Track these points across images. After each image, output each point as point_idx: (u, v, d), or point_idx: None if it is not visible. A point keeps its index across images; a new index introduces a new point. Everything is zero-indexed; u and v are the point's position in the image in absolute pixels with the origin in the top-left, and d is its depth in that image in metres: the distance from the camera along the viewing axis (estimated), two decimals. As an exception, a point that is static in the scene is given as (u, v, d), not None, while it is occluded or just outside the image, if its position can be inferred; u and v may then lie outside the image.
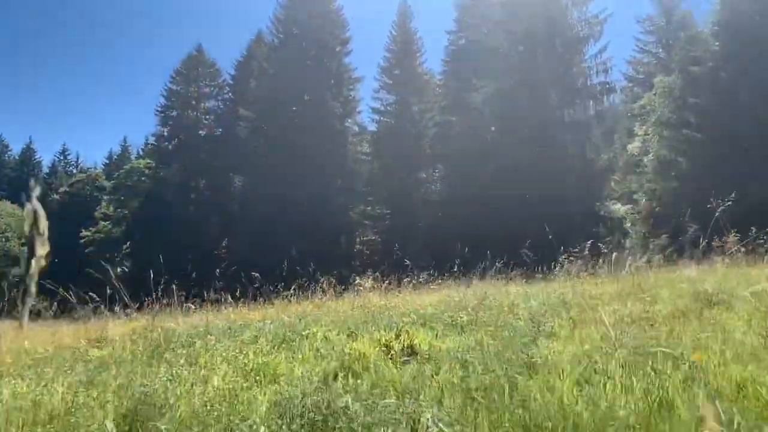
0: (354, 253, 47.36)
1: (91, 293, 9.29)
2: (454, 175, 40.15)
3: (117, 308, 10.47)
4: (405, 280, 13.27)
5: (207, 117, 57.38)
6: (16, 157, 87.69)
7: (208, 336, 8.02)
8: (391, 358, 6.09)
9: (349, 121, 48.53)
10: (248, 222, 44.64)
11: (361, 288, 10.18)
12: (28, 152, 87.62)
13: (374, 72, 50.04)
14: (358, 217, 48.47)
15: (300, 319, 9.50)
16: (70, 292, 9.80)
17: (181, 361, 6.23)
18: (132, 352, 7.08)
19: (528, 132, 33.39)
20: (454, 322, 8.18)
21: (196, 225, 53.21)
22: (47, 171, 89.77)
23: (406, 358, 6.08)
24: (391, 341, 6.64)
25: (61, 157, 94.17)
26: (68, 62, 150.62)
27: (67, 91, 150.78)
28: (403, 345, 6.50)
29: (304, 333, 8.06)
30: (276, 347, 7.31)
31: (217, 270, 14.21)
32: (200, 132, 56.92)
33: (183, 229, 52.49)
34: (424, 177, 45.57)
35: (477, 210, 35.72)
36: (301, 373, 5.74)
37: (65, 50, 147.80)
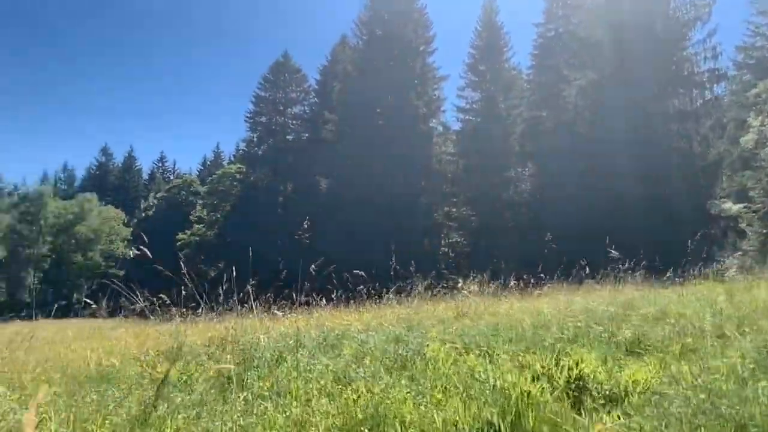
0: (439, 255, 46.41)
1: (161, 295, 8.58)
2: (545, 174, 38.32)
3: (203, 310, 10.16)
4: (511, 284, 12.20)
5: (294, 122, 58.55)
6: (119, 165, 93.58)
7: (300, 351, 6.72)
8: (574, 405, 4.39)
9: (434, 120, 47.70)
10: (334, 224, 44.80)
11: (465, 292, 9.19)
12: (129, 160, 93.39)
13: (459, 70, 49.04)
14: (443, 219, 47.51)
15: (408, 329, 8.15)
16: (162, 295, 9.57)
17: (265, 390, 5.00)
18: (203, 372, 5.84)
19: (626, 125, 31.10)
20: (612, 339, 6.44)
21: (284, 227, 54.28)
22: (146, 177, 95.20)
23: (575, 394, 4.52)
24: (550, 368, 4.94)
25: (159, 165, 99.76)
26: (164, 73, 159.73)
27: (165, 101, 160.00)
28: (569, 376, 4.74)
29: (422, 351, 6.31)
30: (390, 372, 5.68)
31: (312, 267, 13.65)
32: (288, 137, 58.16)
33: (272, 231, 53.73)
34: (512, 176, 43.87)
35: (570, 210, 33.81)
36: (443, 422, 4.07)
37: (162, 62, 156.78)
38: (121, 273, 70.96)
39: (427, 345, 6.51)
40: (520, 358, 5.56)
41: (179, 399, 4.68)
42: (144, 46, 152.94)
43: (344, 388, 4.99)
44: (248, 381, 5.38)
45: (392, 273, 14.09)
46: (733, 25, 72.02)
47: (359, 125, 45.66)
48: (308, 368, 5.71)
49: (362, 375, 5.38)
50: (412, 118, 45.04)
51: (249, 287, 10.56)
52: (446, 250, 46.83)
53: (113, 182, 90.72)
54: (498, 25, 47.40)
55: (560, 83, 38.71)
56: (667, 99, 32.08)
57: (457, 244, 46.84)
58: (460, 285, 9.46)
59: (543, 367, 5.00)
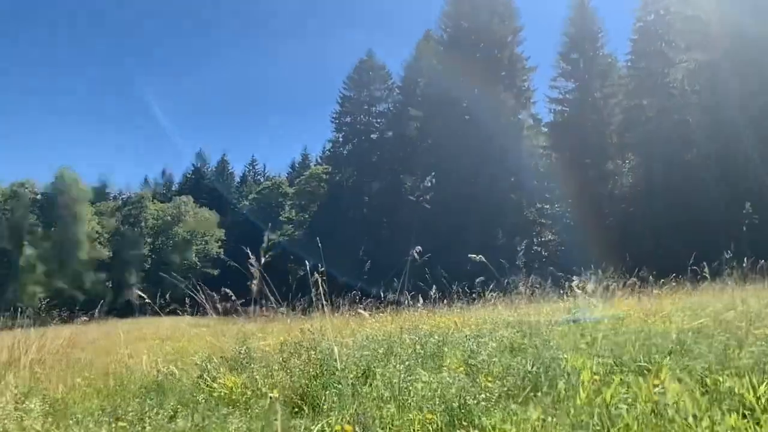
0: (531, 255, 44.24)
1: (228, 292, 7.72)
2: (648, 165, 35.41)
3: (287, 310, 9.43)
4: (629, 282, 10.60)
5: (378, 120, 58.12)
6: (213, 169, 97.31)
7: (391, 361, 5.37)
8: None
9: (524, 113, 45.61)
10: (419, 223, 43.84)
11: (580, 291, 7.80)
12: (222, 164, 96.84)
13: (550, 59, 46.56)
14: (535, 216, 45.29)
15: (521, 334, 6.88)
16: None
17: (347, 421, 3.77)
18: (270, 388, 4.75)
19: (739, 110, 27.96)
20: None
21: (369, 226, 53.96)
22: (239, 180, 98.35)
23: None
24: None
25: (251, 168, 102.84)
26: (252, 78, 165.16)
27: (254, 105, 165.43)
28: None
29: (558, 366, 4.68)
30: (515, 397, 4.28)
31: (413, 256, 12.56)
32: (372, 135, 57.81)
33: (357, 230, 53.55)
34: (611, 169, 40.97)
35: (677, 203, 30.96)
36: None
37: (248, 69, 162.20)
38: (216, 272, 73.70)
39: (564, 358, 4.84)
40: (710, 380, 3.94)
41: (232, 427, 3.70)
42: (231, 51, 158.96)
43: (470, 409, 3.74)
44: (325, 405, 4.29)
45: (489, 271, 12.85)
46: None
47: (445, 120, 44.42)
48: (405, 388, 4.38)
49: (482, 402, 3.97)
50: (501, 111, 43.24)
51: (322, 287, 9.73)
52: (539, 249, 44.57)
53: (208, 185, 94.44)
54: (591, 11, 44.63)
55: (663, 67, 35.68)
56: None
57: (551, 242, 44.48)
58: (575, 283, 8.05)
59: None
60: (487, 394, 4.17)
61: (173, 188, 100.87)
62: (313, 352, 5.47)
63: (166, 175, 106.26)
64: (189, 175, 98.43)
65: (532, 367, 4.80)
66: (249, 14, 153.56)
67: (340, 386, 4.51)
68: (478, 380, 4.60)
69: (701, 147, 29.53)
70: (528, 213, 44.54)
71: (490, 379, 4.62)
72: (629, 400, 3.59)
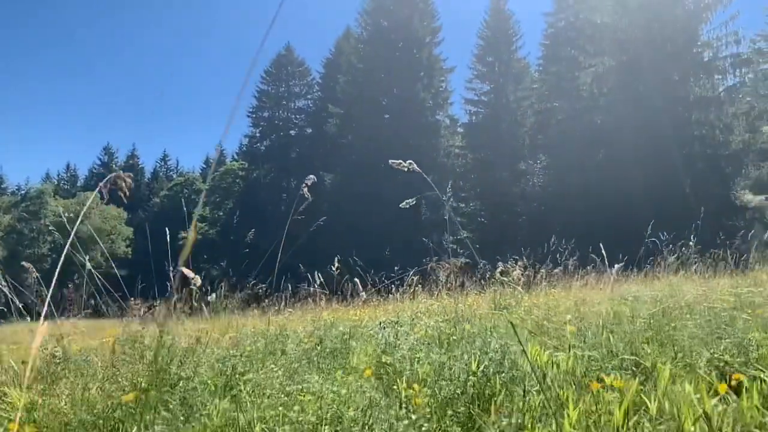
0: (449, 252, 44.98)
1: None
2: (558, 166, 36.78)
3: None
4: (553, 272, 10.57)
5: (297, 116, 57.28)
6: (122, 164, 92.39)
7: (276, 359, 4.40)
8: None
9: (441, 113, 46.28)
10: (337, 221, 43.41)
11: (506, 280, 7.53)
12: (132, 159, 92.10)
13: (467, 61, 47.55)
14: (451, 214, 45.96)
15: (450, 323, 5.46)
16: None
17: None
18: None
19: (645, 113, 29.59)
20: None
21: (285, 224, 52.96)
22: (150, 176, 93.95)
23: None
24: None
25: (162, 163, 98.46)
26: (165, 70, 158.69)
27: (166, 98, 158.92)
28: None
29: (519, 366, 3.42)
30: (461, 415, 3.16)
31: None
32: (291, 131, 56.88)
33: (275, 228, 52.46)
34: (523, 169, 42.33)
35: (586, 202, 32.35)
36: None
37: (162, 58, 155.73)
38: (123, 273, 69.90)
39: (515, 351, 3.55)
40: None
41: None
42: (142, 41, 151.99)
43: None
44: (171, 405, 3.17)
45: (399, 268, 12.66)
46: (755, 12, 70.04)
47: (364, 119, 44.27)
48: (279, 409, 3.11)
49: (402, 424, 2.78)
50: (419, 111, 43.65)
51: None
52: (455, 246, 45.32)
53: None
54: (507, 14, 45.94)
55: (574, 71, 37.22)
56: (688, 85, 30.50)
57: (466, 240, 45.36)
58: (499, 270, 7.83)
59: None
60: (412, 416, 2.87)
61: (78, 183, 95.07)
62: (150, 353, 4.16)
63: (70, 169, 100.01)
64: (95, 170, 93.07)
65: (477, 366, 3.40)
66: (162, 4, 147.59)
67: (170, 406, 3.20)
68: (396, 388, 3.33)
69: (608, 149, 30.96)
70: (444, 211, 45.17)
71: (415, 387, 3.26)
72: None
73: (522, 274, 8.25)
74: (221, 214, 62.11)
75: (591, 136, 33.48)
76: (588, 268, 12.57)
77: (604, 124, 32.66)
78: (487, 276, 8.57)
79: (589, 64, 33.56)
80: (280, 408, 3.12)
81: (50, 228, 65.53)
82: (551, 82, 40.95)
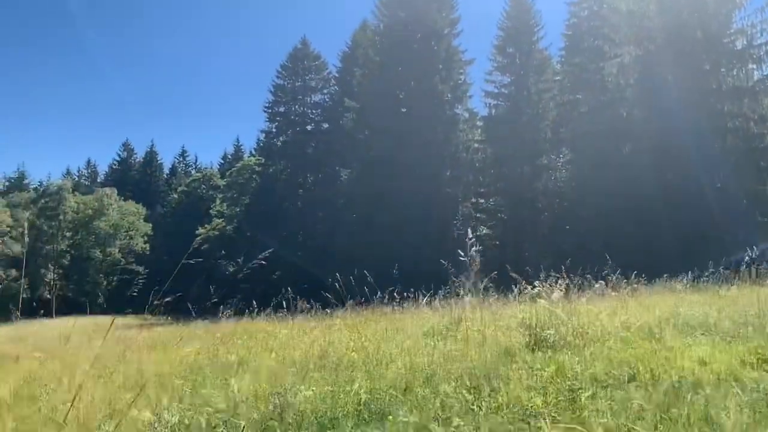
0: (466, 249, 43.87)
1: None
2: (582, 160, 35.48)
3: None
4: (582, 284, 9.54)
5: (314, 111, 56.47)
6: (141, 160, 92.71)
7: None
8: None
9: (460, 106, 45.05)
10: (354, 217, 42.64)
11: (541, 299, 6.62)
12: (150, 155, 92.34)
13: (486, 53, 46.32)
14: (470, 210, 44.94)
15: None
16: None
17: None
18: None
19: (674, 105, 28.20)
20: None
21: (304, 220, 52.33)
22: (168, 172, 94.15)
23: None
24: None
25: (181, 159, 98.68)
26: (184, 65, 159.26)
27: (185, 94, 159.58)
28: None
29: None
30: None
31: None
32: (307, 127, 56.10)
33: (291, 224, 51.81)
34: (545, 163, 41.01)
35: (611, 198, 31.07)
36: None
37: (180, 54, 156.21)
38: (141, 269, 70.05)
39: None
40: None
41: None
42: (162, 39, 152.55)
43: None
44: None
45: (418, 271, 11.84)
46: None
47: (381, 113, 43.27)
48: None
49: None
50: (437, 104, 42.53)
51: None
52: (475, 242, 44.23)
53: (134, 177, 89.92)
54: (528, 4, 44.48)
55: (598, 62, 35.84)
56: (720, 75, 29.01)
57: (486, 236, 44.24)
58: (535, 291, 6.94)
59: None
60: None
61: (98, 180, 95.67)
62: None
63: (90, 165, 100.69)
64: (115, 167, 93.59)
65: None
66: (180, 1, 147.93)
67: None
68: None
69: (636, 141, 29.63)
70: (463, 207, 44.12)
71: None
72: None
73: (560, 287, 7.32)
74: (238, 209, 61.68)
75: (616, 129, 32.18)
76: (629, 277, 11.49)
77: (630, 116, 31.35)
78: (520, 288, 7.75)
79: (615, 54, 32.26)
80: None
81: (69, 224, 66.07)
82: (574, 74, 39.52)
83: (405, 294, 12.01)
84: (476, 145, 44.43)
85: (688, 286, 11.12)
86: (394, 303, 11.26)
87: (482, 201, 44.49)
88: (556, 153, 40.92)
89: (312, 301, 13.81)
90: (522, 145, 40.25)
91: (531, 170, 40.51)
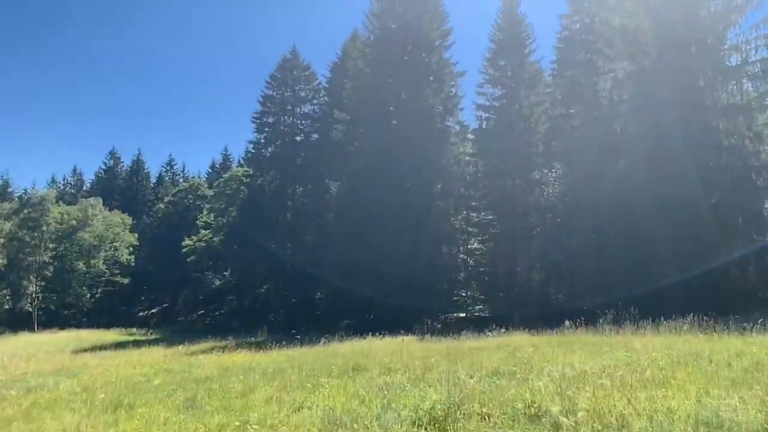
0: (458, 263, 43.28)
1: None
2: (575, 175, 34.99)
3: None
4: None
5: (303, 122, 55.75)
6: (127, 169, 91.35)
7: None
8: None
9: (451, 119, 44.48)
10: (343, 230, 41.86)
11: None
12: (137, 164, 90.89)
13: (477, 65, 45.87)
14: (462, 224, 44.35)
15: None
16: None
17: None
18: None
19: (668, 121, 27.76)
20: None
21: (293, 232, 51.53)
22: (155, 181, 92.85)
23: None
24: None
25: (168, 168, 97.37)
26: (172, 73, 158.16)
27: (173, 102, 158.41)
28: None
29: None
30: None
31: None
32: (296, 138, 55.35)
33: (280, 237, 50.95)
34: (537, 178, 40.52)
35: (604, 214, 30.59)
36: None
37: (169, 62, 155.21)
38: (126, 281, 68.72)
39: None
40: None
41: None
42: (150, 47, 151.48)
43: None
44: None
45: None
46: None
47: (371, 124, 42.69)
48: None
49: None
50: (428, 117, 41.95)
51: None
52: (465, 257, 43.66)
53: (121, 186, 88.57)
54: (520, 17, 44.12)
55: (590, 76, 35.43)
56: (715, 92, 28.62)
57: (477, 251, 43.66)
58: None
59: None
60: None
61: (84, 188, 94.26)
62: None
63: (76, 173, 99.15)
64: (101, 175, 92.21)
65: None
66: (168, 9, 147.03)
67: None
68: None
69: (630, 156, 29.18)
70: (455, 221, 43.52)
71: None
72: None
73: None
74: (225, 220, 60.69)
75: (609, 144, 31.74)
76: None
77: (624, 132, 30.93)
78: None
79: (608, 68, 31.84)
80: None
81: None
82: (566, 87, 39.09)
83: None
84: (467, 158, 43.88)
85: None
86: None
87: (474, 215, 43.94)
88: (548, 167, 40.44)
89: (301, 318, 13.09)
90: (514, 158, 39.77)
91: (523, 184, 40.00)
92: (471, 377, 7.81)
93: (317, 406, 7.68)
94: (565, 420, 4.62)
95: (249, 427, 5.83)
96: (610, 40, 31.72)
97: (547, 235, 36.74)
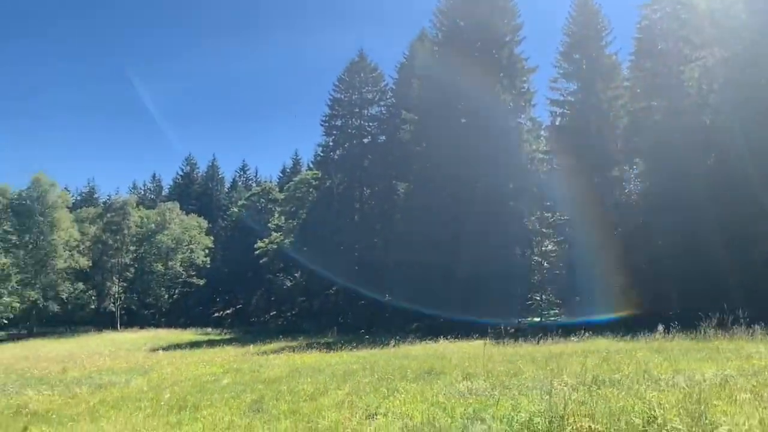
0: (531, 266, 41.60)
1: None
2: (658, 172, 32.76)
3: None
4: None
5: (370, 124, 55.51)
6: (203, 174, 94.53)
7: None
8: None
9: (523, 116, 42.92)
10: (411, 231, 41.13)
11: None
12: (212, 169, 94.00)
13: (550, 60, 44.10)
14: (535, 225, 42.64)
15: None
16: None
17: None
18: None
19: (766, 110, 25.43)
20: None
21: (360, 234, 51.33)
22: (229, 186, 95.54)
23: None
24: None
25: (241, 173, 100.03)
26: (245, 82, 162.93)
27: (246, 109, 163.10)
28: None
29: None
30: None
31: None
32: (364, 140, 55.19)
33: (348, 238, 50.88)
34: (616, 175, 38.36)
35: (692, 215, 28.38)
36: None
37: (242, 71, 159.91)
38: (201, 282, 70.86)
39: None
40: None
41: None
42: (224, 56, 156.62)
43: None
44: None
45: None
46: None
47: (440, 124, 41.80)
48: None
49: None
50: (499, 114, 40.64)
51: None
52: (539, 259, 41.91)
53: (197, 191, 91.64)
54: (595, 8, 42.23)
55: (672, 66, 33.18)
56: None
57: (552, 253, 41.78)
58: None
59: None
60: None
61: (163, 193, 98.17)
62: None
63: (155, 179, 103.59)
64: (178, 180, 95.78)
65: None
66: (236, 15, 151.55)
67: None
68: None
69: (722, 151, 26.93)
70: (527, 222, 41.89)
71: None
72: None
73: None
74: (295, 223, 61.39)
75: (698, 138, 29.46)
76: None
77: (714, 124, 28.58)
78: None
79: (696, 56, 29.61)
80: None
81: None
82: (646, 79, 36.82)
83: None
84: (541, 156, 42.17)
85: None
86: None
87: (548, 215, 42.09)
88: (628, 164, 38.20)
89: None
90: (591, 155, 37.81)
91: (601, 182, 37.95)
92: (565, 385, 6.89)
93: (392, 413, 6.99)
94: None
95: (319, 435, 5.20)
96: (699, 27, 29.50)
97: (628, 235, 34.59)
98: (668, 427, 4.78)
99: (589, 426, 5.01)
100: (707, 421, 4.79)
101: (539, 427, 5.24)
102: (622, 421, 5.19)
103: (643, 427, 5.00)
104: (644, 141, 34.98)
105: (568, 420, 5.18)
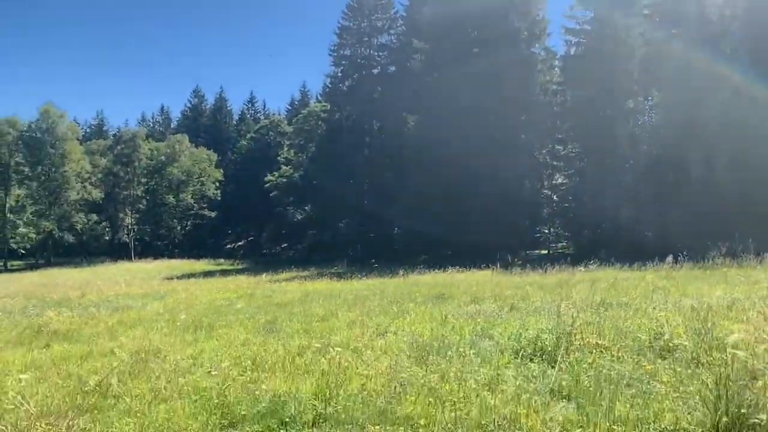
0: (540, 199, 41.58)
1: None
2: (675, 103, 31.99)
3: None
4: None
5: (380, 54, 54.15)
6: (211, 106, 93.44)
7: None
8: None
9: (537, 45, 41.74)
10: (421, 164, 40.90)
11: None
12: (220, 102, 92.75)
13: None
14: (546, 158, 42.30)
15: None
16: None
17: None
18: None
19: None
20: None
21: (370, 168, 51.17)
22: (237, 119, 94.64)
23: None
24: None
25: (249, 105, 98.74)
26: (251, 10, 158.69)
27: (253, 38, 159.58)
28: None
29: None
30: None
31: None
32: (373, 70, 54.00)
33: (358, 172, 50.78)
34: (631, 107, 37.52)
35: (708, 144, 27.95)
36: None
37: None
38: (213, 214, 71.54)
39: None
40: None
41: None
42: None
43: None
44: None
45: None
46: None
47: (451, 53, 40.71)
48: None
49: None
50: (512, 43, 39.51)
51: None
52: (549, 193, 41.83)
53: (205, 123, 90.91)
54: (615, -71, 39.93)
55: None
56: None
57: (562, 186, 41.64)
58: None
59: None
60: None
61: (172, 126, 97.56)
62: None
63: (164, 111, 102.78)
64: (186, 113, 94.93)
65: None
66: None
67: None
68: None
69: (743, 82, 26.14)
70: (539, 155, 41.53)
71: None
72: None
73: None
74: (305, 156, 61.18)
75: (717, 68, 28.54)
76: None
77: (735, 53, 27.65)
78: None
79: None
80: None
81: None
82: (667, 6, 35.35)
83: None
84: (555, 87, 41.29)
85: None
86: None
87: (560, 147, 41.67)
88: (644, 95, 37.28)
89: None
90: (606, 86, 36.82)
91: (615, 114, 37.16)
92: (573, 307, 7.00)
93: (403, 330, 7.17)
94: (740, 353, 3.67)
95: (331, 349, 5.36)
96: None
97: (640, 168, 34.24)
98: (675, 342, 4.89)
99: (597, 342, 5.13)
100: (713, 337, 4.87)
101: (547, 342, 5.36)
102: (629, 338, 5.31)
103: (650, 343, 5.11)
104: (662, 71, 33.98)
105: (575, 336, 5.30)
